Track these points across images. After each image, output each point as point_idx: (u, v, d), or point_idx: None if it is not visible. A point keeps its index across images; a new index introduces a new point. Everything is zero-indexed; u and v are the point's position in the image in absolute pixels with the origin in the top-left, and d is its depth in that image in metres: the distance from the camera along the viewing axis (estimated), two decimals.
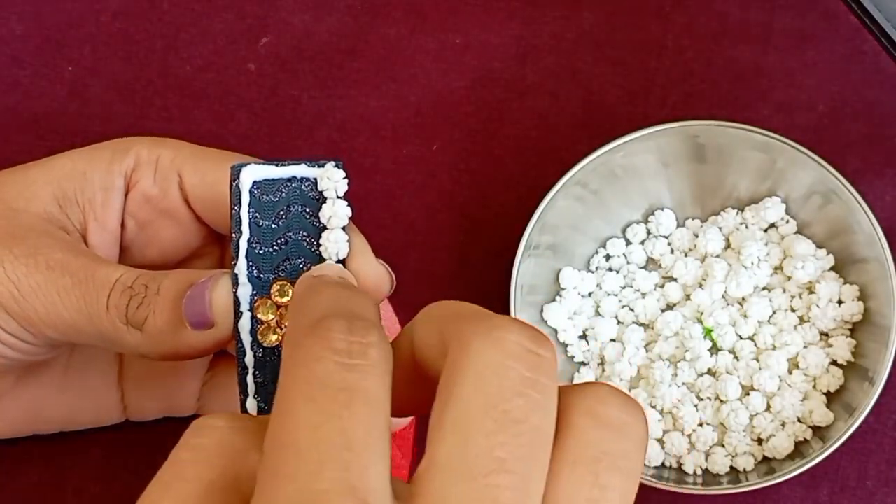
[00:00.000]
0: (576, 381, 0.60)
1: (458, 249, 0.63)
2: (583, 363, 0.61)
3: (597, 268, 0.62)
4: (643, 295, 0.62)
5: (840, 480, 0.60)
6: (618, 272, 0.62)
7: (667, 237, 0.62)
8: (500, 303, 0.61)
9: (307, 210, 0.49)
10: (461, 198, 0.64)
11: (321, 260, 0.49)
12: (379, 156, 0.64)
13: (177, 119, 0.64)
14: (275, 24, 0.66)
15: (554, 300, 0.61)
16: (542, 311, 0.61)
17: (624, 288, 0.62)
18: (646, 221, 0.63)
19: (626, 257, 0.62)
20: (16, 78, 0.65)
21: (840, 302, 0.60)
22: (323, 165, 0.49)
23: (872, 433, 0.60)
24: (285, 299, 0.49)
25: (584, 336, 0.62)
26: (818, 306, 0.60)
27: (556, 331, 0.61)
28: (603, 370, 0.61)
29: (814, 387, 0.60)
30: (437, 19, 0.65)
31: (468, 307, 0.41)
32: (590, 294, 0.62)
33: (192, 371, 0.58)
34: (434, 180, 0.64)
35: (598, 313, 0.62)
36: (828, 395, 0.60)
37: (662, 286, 0.62)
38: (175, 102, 0.65)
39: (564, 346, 0.61)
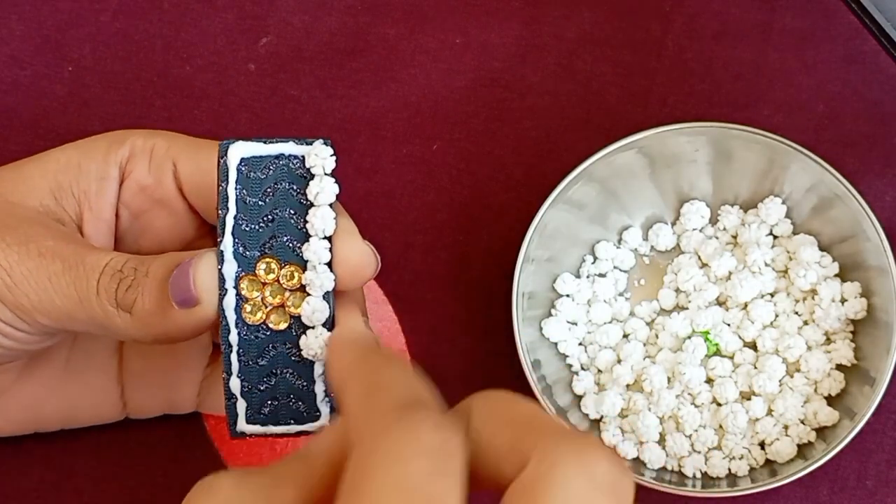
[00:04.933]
0: (574, 386, 0.60)
1: (458, 249, 0.63)
2: (582, 369, 0.61)
3: (588, 274, 0.62)
4: (640, 302, 0.62)
5: (840, 480, 0.60)
6: (605, 276, 0.62)
7: (666, 241, 0.62)
8: (500, 303, 0.61)
9: (294, 187, 0.49)
10: (461, 198, 0.64)
11: (307, 237, 0.49)
12: (379, 156, 0.64)
13: (177, 119, 0.64)
14: (275, 24, 0.66)
15: (551, 309, 0.61)
16: (541, 328, 0.61)
17: (620, 294, 0.62)
18: (645, 226, 0.63)
19: (612, 262, 0.62)
20: (16, 78, 0.65)
21: (843, 301, 0.60)
22: (311, 143, 0.49)
23: (872, 433, 0.60)
24: (271, 276, 0.49)
25: (581, 343, 0.61)
26: (821, 307, 0.60)
27: (556, 344, 0.61)
28: (601, 376, 0.61)
29: (815, 390, 0.60)
30: (437, 19, 0.65)
31: (542, 415, 0.40)
32: (587, 301, 0.62)
33: (191, 366, 0.58)
34: (434, 180, 0.64)
35: (595, 321, 0.62)
36: (828, 398, 0.60)
37: (659, 292, 0.62)
38: (175, 102, 0.65)
39: (564, 356, 0.61)
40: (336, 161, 0.49)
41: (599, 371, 0.61)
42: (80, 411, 0.58)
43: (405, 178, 0.64)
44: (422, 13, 0.65)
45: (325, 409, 0.49)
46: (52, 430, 0.59)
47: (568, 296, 0.61)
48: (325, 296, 0.49)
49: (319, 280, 0.48)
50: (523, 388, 0.58)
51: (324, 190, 0.49)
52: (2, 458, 0.61)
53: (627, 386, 0.60)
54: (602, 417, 0.60)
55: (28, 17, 0.66)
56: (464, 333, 0.62)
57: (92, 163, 0.54)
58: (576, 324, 0.61)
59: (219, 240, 0.49)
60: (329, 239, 0.49)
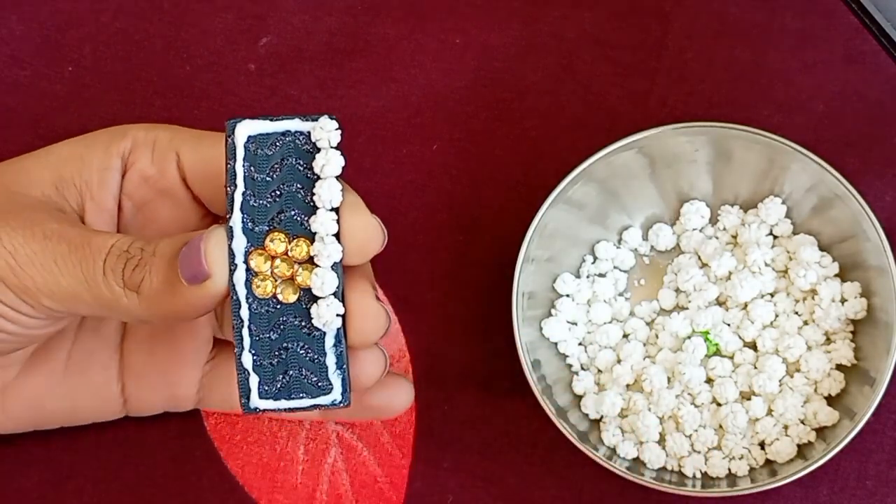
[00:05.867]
0: (574, 386, 0.60)
1: (458, 249, 0.63)
2: (582, 368, 0.61)
3: (588, 274, 0.62)
4: (640, 302, 0.62)
5: (840, 480, 0.60)
6: (605, 276, 0.62)
7: (666, 241, 0.62)
8: (500, 303, 0.61)
9: (301, 162, 0.50)
10: (461, 198, 0.64)
11: (314, 210, 0.49)
12: (379, 156, 0.64)
13: (177, 119, 0.65)
14: (275, 24, 0.66)
15: (551, 309, 0.61)
16: (541, 327, 0.61)
17: (620, 294, 0.62)
18: (645, 226, 0.63)
19: (612, 262, 0.62)
20: (16, 78, 0.65)
21: (843, 301, 0.60)
22: (317, 119, 0.50)
23: (872, 433, 0.60)
24: (280, 249, 0.49)
25: (581, 343, 0.61)
26: (821, 307, 0.60)
27: (556, 344, 0.61)
28: (601, 376, 0.61)
29: (815, 390, 0.60)
30: (437, 19, 0.65)
31: None
32: (587, 301, 0.62)
33: (192, 362, 0.58)
34: (434, 180, 0.64)
35: (595, 321, 0.62)
36: (828, 398, 0.60)
37: (659, 292, 0.62)
38: (175, 102, 0.65)
39: (564, 356, 0.61)
40: (342, 135, 0.50)
41: (599, 371, 0.61)
42: (81, 409, 0.58)
43: (405, 178, 0.64)
44: (422, 13, 0.65)
45: (336, 381, 0.49)
46: (52, 427, 0.59)
47: (568, 296, 0.61)
48: (334, 266, 0.49)
49: (327, 251, 0.49)
50: (523, 387, 0.58)
51: (330, 162, 0.49)
52: (2, 458, 0.61)
53: (627, 386, 0.60)
54: (602, 417, 0.60)
55: (28, 17, 0.66)
56: (464, 333, 0.62)
57: (94, 154, 0.55)
58: (576, 324, 0.61)
59: (228, 216, 0.49)
60: (336, 211, 0.49)
